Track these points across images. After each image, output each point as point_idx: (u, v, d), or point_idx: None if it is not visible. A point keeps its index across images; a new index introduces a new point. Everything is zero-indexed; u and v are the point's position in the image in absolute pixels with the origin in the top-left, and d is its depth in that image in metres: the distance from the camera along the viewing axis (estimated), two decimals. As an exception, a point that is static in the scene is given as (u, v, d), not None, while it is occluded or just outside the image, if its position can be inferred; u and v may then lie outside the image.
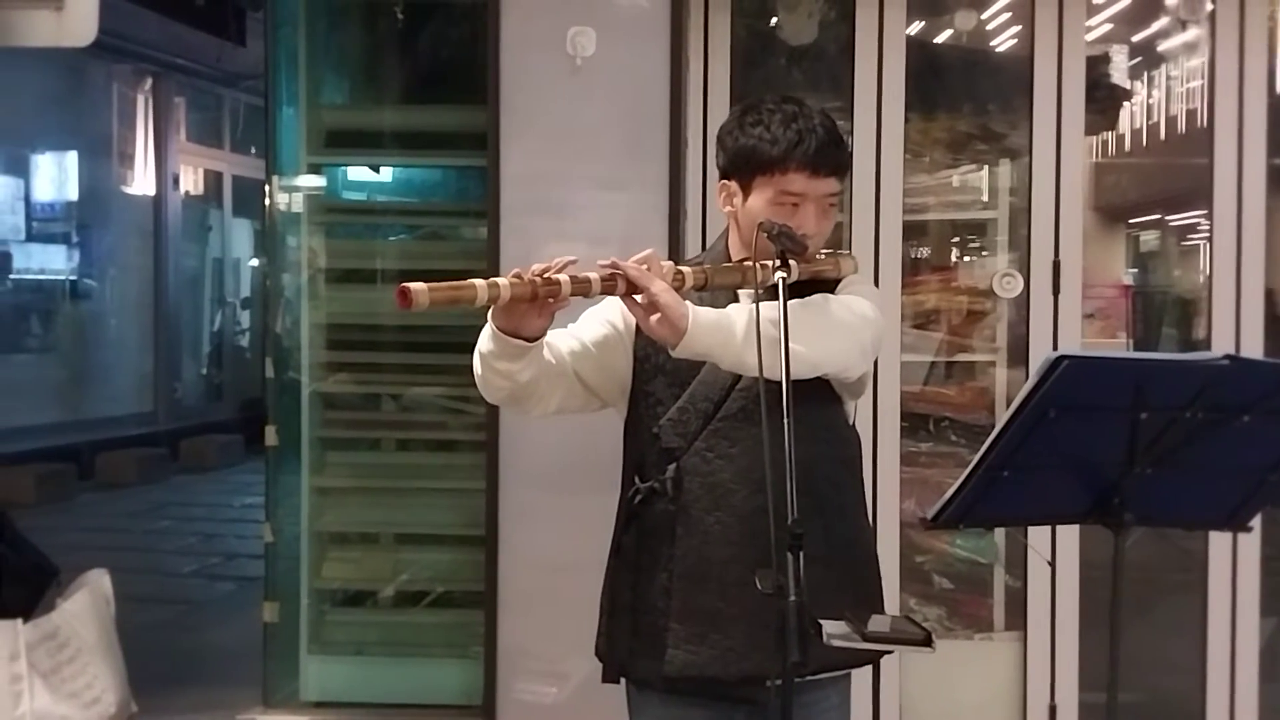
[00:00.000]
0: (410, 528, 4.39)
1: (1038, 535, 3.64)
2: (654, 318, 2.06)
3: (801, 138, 2.23)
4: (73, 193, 11.78)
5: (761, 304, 2.02)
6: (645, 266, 2.09)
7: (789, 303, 2.01)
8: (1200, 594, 3.82)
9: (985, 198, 4.06)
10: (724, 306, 2.16)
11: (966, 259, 4.24)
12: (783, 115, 2.25)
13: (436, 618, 4.29)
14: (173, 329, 12.98)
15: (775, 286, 2.04)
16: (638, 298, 2.08)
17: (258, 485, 9.71)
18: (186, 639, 5.83)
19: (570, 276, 2.07)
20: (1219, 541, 3.76)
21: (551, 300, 2.08)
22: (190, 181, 13.52)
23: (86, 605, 4.28)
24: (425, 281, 1.94)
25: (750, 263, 2.15)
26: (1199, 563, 3.82)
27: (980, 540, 3.93)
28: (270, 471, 4.36)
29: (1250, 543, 3.74)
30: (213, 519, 9.42)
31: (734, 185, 2.31)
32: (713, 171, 3.59)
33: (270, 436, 4.28)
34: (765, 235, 2.11)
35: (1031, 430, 1.90)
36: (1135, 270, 5.06)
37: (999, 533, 3.87)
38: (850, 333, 2.21)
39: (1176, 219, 5.07)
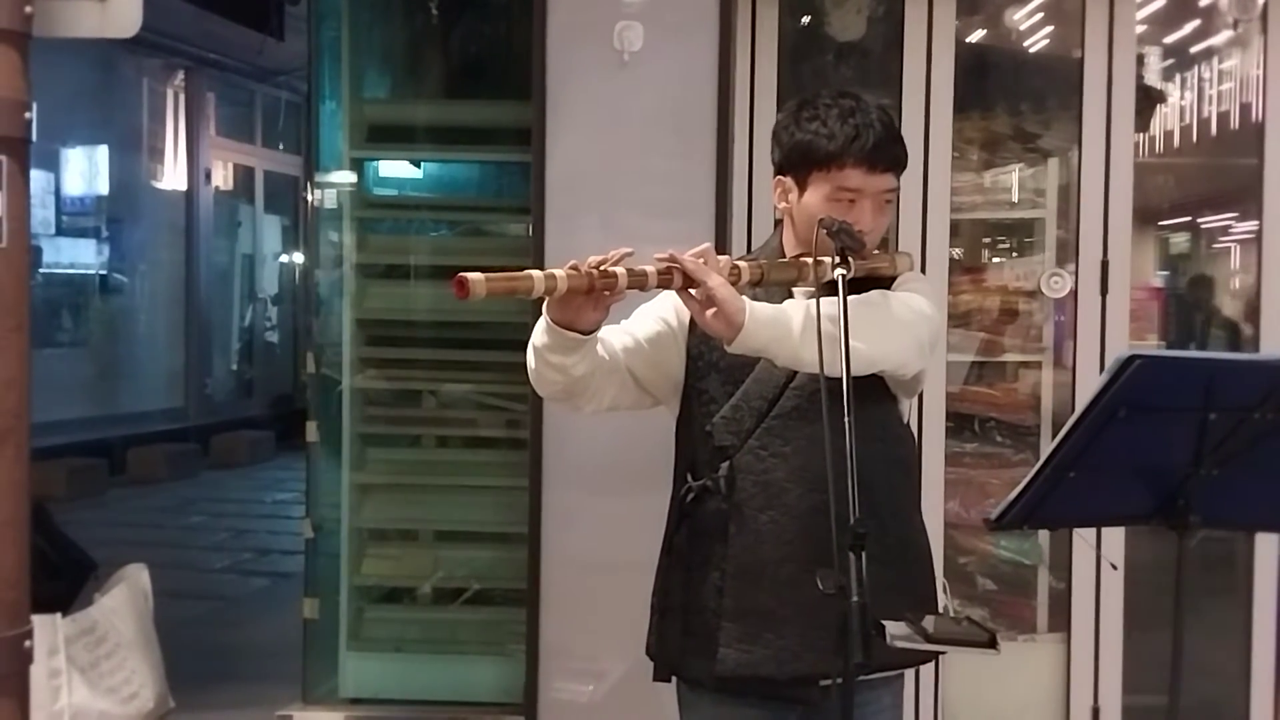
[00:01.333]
0: (450, 525, 4.39)
1: (1088, 537, 3.60)
2: (710, 312, 2.06)
3: (859, 133, 2.21)
4: (103, 187, 11.81)
5: (819, 300, 2.00)
6: (702, 260, 2.08)
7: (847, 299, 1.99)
8: (1241, 597, 3.78)
9: (1015, 198, 4.02)
10: (779, 303, 2.14)
11: (1009, 258, 4.21)
12: (840, 110, 2.23)
13: (475, 615, 4.29)
14: (203, 325, 13.03)
15: (833, 283, 2.02)
16: (694, 291, 2.07)
17: (289, 481, 9.84)
18: (222, 634, 5.85)
19: (626, 269, 2.06)
20: (1265, 543, 3.71)
21: (607, 293, 2.08)
22: (221, 177, 13.56)
23: (125, 600, 4.29)
24: None
25: (808, 259, 2.13)
26: (1239, 565, 3.78)
27: (1024, 541, 3.89)
28: (310, 467, 4.36)
29: (1296, 546, 3.70)
30: (244, 515, 9.46)
31: (789, 181, 2.29)
32: (759, 168, 3.62)
33: (311, 432, 4.27)
34: (825, 232, 2.10)
35: (1101, 430, 1.88)
36: (1166, 272, 5.03)
37: (1044, 533, 3.83)
38: (908, 330, 2.20)
39: (1208, 221, 5.04)
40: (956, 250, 3.99)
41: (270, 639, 5.37)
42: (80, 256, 11.89)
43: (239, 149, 13.85)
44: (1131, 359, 1.79)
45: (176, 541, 8.30)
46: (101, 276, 12.09)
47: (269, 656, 4.98)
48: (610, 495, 3.51)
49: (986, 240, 4.25)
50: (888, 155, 2.24)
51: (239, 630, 6.01)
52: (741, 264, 2.19)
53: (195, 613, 6.19)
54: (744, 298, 2.07)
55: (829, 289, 2.03)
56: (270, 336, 14.57)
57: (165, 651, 4.41)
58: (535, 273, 2.00)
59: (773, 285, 2.25)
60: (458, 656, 4.20)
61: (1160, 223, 4.84)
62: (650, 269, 2.07)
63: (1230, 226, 4.68)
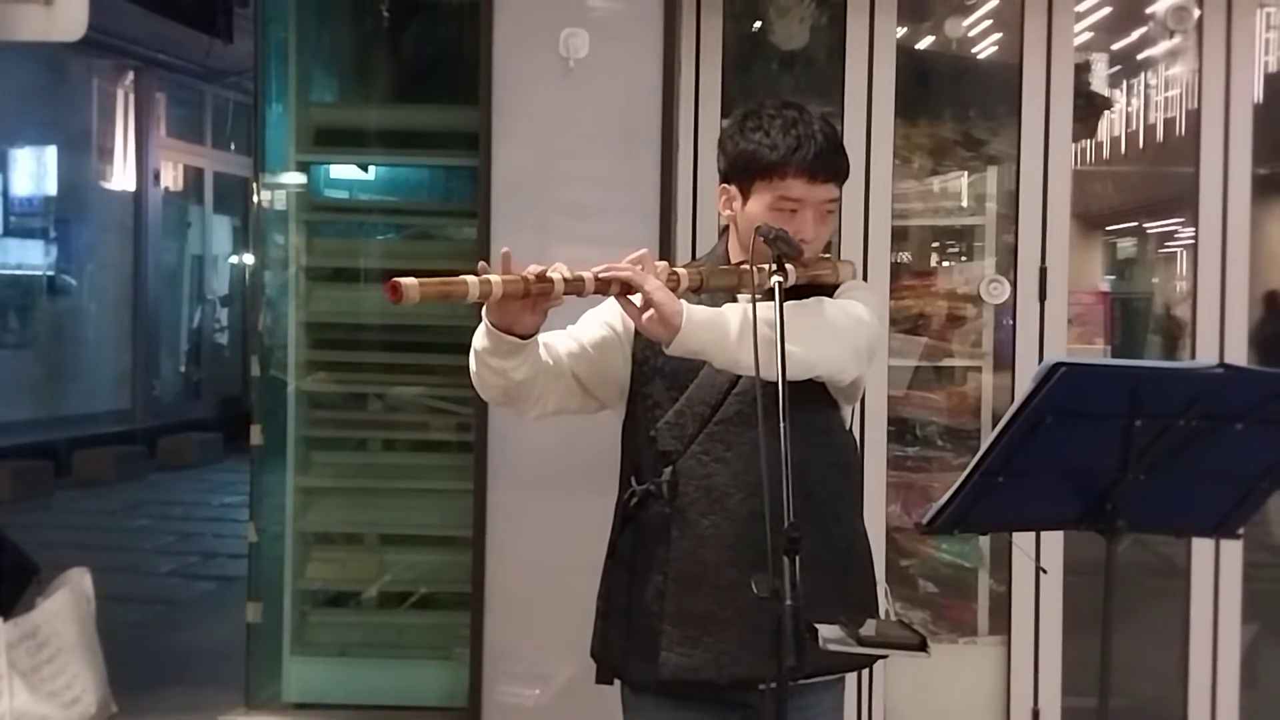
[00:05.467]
0: (395, 528, 4.36)
1: (1023, 540, 3.64)
2: (647, 315, 2.07)
3: (801, 143, 2.23)
4: (51, 187, 11.68)
5: (757, 305, 2.02)
6: (639, 266, 2.10)
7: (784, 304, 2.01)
8: (1180, 600, 3.83)
9: (964, 203, 4.07)
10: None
11: (949, 264, 4.26)
12: (783, 121, 2.25)
13: (420, 619, 4.27)
14: (151, 326, 12.89)
15: (772, 291, 2.05)
16: (632, 297, 2.09)
17: (236, 484, 9.75)
18: (166, 638, 5.79)
19: (563, 275, 2.07)
20: (1201, 548, 3.77)
21: (544, 298, 2.08)
22: (170, 177, 13.43)
23: (67, 604, 4.25)
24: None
25: (747, 266, 2.16)
26: (1179, 568, 3.83)
27: (965, 544, 3.94)
28: (254, 470, 4.33)
29: (1233, 549, 3.75)
30: (191, 518, 9.36)
31: (733, 190, 2.31)
32: (703, 174, 3.65)
33: (255, 435, 4.24)
34: (761, 239, 2.12)
35: (1028, 436, 1.91)
36: (1113, 277, 5.08)
37: (984, 537, 3.87)
38: (845, 335, 2.22)
39: (1154, 226, 5.10)
40: (905, 254, 4.04)
41: (215, 643, 5.31)
42: (28, 257, 11.75)
43: (189, 150, 13.72)
44: (1056, 367, 1.82)
45: (123, 545, 8.20)
46: (49, 277, 11.96)
47: (213, 661, 4.92)
48: (555, 498, 3.52)
49: (939, 245, 4.29)
50: (829, 166, 2.26)
51: (184, 634, 5.94)
52: (680, 270, 2.21)
53: (140, 617, 6.13)
54: (681, 301, 2.09)
55: (768, 297, 2.05)
56: (219, 338, 14.44)
57: (109, 656, 4.37)
58: (470, 278, 2.01)
59: (713, 292, 2.27)
60: (403, 660, 4.18)
61: (1107, 228, 4.89)
62: (587, 275, 2.09)
63: (1176, 232, 4.74)
